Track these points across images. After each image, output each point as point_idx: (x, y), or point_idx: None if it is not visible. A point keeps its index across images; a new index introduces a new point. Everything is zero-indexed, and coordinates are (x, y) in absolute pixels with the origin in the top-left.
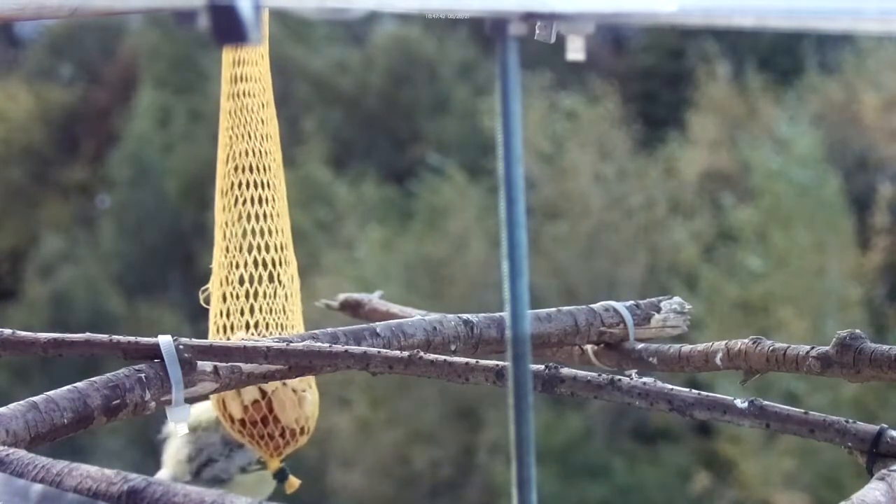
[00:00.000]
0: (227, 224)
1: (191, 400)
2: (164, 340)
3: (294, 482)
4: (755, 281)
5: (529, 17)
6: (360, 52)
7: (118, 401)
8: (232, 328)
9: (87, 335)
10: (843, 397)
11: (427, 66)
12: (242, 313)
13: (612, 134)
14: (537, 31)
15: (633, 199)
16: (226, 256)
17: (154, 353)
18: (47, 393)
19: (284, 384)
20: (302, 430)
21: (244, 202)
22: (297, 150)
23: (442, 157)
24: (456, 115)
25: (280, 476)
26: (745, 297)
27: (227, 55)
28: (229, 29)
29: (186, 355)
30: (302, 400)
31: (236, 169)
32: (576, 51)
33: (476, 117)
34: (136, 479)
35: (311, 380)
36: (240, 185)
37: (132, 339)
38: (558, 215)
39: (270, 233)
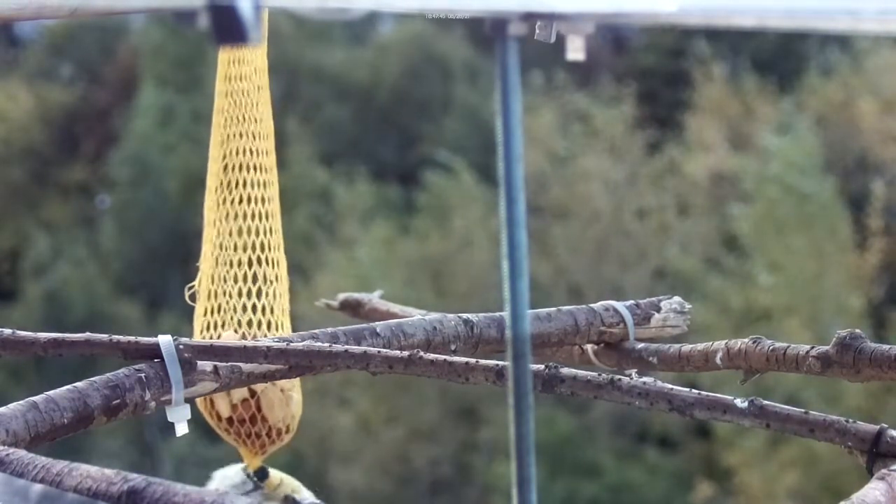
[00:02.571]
0: (217, 222)
1: (191, 399)
2: (164, 340)
3: (272, 482)
4: (758, 286)
5: (529, 17)
6: (367, 50)
7: (118, 401)
8: (222, 325)
9: (87, 335)
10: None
11: (434, 64)
12: (228, 311)
13: (624, 136)
14: (537, 31)
15: (639, 201)
16: (214, 254)
17: (154, 353)
18: (47, 393)
19: (273, 384)
20: (287, 428)
21: (235, 201)
22: (300, 148)
23: (450, 154)
24: (463, 114)
25: (260, 475)
26: (746, 303)
27: (224, 53)
28: (229, 29)
29: (186, 355)
30: (289, 399)
31: (228, 168)
32: (576, 51)
33: (483, 115)
34: (136, 478)
35: (296, 380)
36: (231, 183)
37: (132, 339)
38: (567, 216)
39: (261, 232)
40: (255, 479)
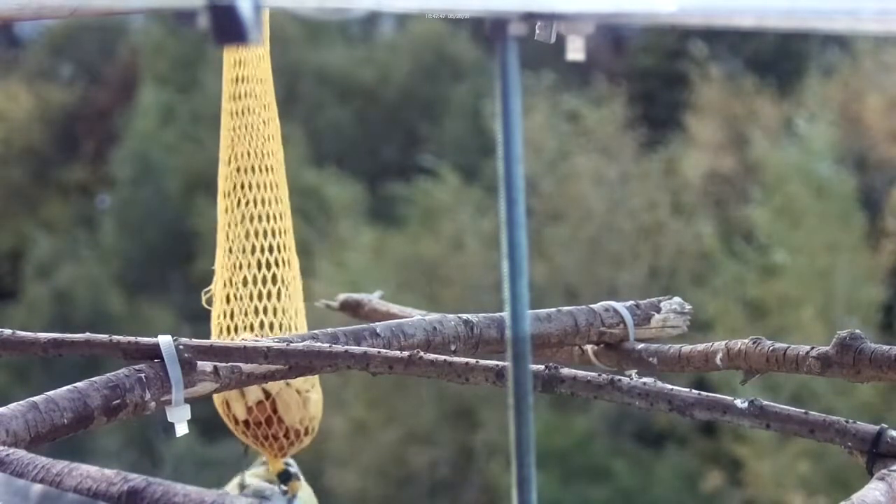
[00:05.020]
0: (229, 225)
1: (191, 400)
2: (164, 340)
3: (296, 485)
4: (765, 282)
5: (529, 17)
6: (368, 50)
7: (118, 401)
8: (236, 329)
9: (87, 335)
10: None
11: (438, 65)
12: (246, 314)
13: (617, 136)
14: (537, 31)
15: (637, 202)
16: (228, 257)
17: (154, 353)
18: (47, 393)
19: (288, 385)
20: (306, 430)
21: (247, 203)
22: (299, 149)
23: (436, 159)
24: (456, 116)
25: (283, 477)
26: (758, 295)
27: (229, 56)
28: (229, 29)
29: (186, 355)
30: (306, 401)
31: (238, 170)
32: (576, 51)
33: (476, 118)
34: (136, 479)
35: (314, 380)
36: (242, 186)
37: (132, 339)
38: (561, 217)
39: (273, 233)
40: (279, 481)
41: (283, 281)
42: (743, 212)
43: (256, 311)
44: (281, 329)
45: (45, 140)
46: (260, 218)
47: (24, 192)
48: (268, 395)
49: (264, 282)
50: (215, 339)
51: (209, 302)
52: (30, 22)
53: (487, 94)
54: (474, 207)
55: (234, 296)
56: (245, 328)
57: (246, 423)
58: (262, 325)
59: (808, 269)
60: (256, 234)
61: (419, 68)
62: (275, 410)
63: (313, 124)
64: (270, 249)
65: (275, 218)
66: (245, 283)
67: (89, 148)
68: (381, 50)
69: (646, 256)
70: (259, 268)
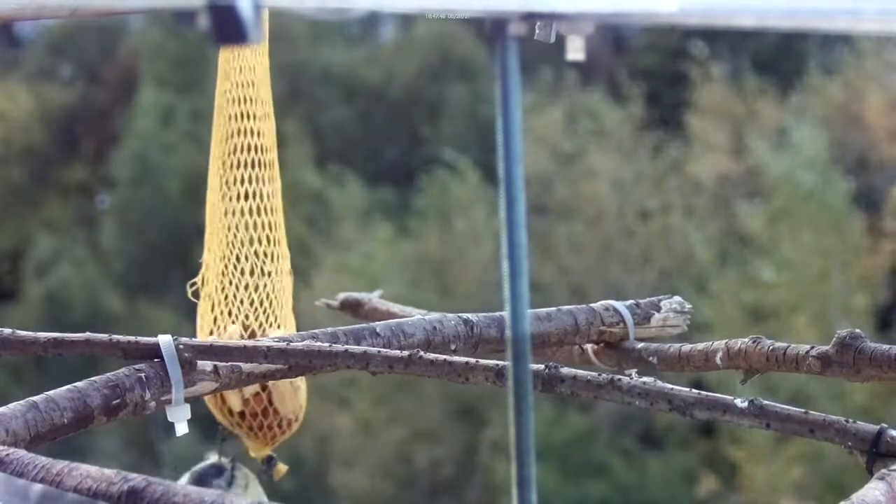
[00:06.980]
0: (219, 218)
1: (191, 399)
2: (164, 340)
3: (282, 468)
4: (766, 285)
5: (529, 17)
6: (365, 52)
7: (118, 400)
8: (220, 321)
9: (87, 335)
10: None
11: (442, 65)
12: (232, 307)
13: (632, 136)
14: (537, 31)
15: (644, 202)
16: (217, 250)
17: (154, 352)
18: (47, 392)
19: None
20: (296, 419)
21: (237, 197)
22: (301, 149)
23: (456, 153)
24: (461, 116)
25: (268, 463)
26: (755, 301)
27: (223, 53)
28: (229, 29)
29: (186, 355)
30: (297, 390)
31: (230, 164)
32: (576, 51)
33: (479, 117)
34: (136, 478)
35: None
36: (233, 180)
37: (132, 338)
38: (571, 215)
39: (263, 227)
40: (265, 467)
41: (271, 274)
42: (742, 215)
43: (241, 304)
44: (267, 321)
45: (45, 140)
46: (251, 212)
47: (24, 192)
48: (264, 386)
49: (252, 274)
50: (200, 332)
51: (196, 295)
52: (30, 22)
53: (492, 93)
54: (488, 204)
55: (221, 288)
56: (231, 321)
57: (241, 414)
58: (254, 317)
59: (804, 274)
60: (246, 227)
61: (424, 69)
62: (271, 401)
63: (317, 124)
64: (260, 241)
65: (265, 212)
66: (232, 275)
67: (89, 148)
68: (386, 50)
69: (646, 257)
70: (247, 261)
